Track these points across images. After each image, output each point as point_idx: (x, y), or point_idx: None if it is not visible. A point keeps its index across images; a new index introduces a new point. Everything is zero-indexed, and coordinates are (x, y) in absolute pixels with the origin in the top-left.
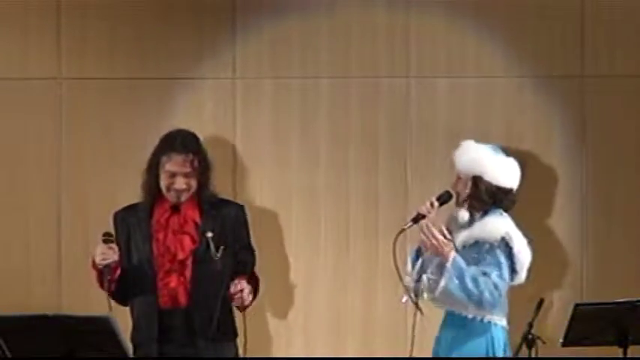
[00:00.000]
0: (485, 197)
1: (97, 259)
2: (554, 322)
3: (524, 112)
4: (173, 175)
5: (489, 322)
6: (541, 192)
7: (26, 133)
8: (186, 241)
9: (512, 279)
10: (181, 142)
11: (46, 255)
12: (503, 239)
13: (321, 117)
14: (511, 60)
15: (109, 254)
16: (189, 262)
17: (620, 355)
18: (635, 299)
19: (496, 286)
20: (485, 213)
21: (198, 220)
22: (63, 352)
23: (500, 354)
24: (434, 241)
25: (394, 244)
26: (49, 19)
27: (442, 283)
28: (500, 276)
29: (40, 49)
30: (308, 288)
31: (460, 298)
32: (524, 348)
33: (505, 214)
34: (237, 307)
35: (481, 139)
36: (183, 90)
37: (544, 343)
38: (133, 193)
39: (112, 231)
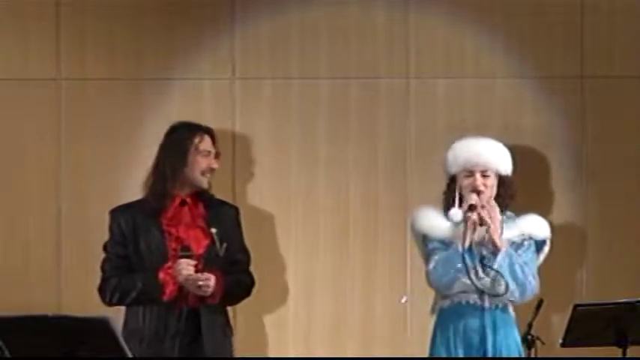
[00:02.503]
0: (509, 196)
1: (184, 274)
2: (554, 323)
3: (524, 113)
4: (208, 154)
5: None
6: (541, 192)
7: (26, 134)
8: (201, 235)
9: None
10: (200, 125)
11: (46, 255)
12: (545, 239)
13: (321, 117)
14: (511, 60)
15: (192, 270)
16: (203, 259)
17: (620, 356)
18: (634, 299)
19: (534, 276)
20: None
21: (204, 215)
22: (62, 352)
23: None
24: (496, 221)
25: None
26: (48, 19)
27: (495, 265)
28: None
29: (39, 50)
30: (307, 288)
31: (507, 281)
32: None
33: None
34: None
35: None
36: (182, 90)
37: (543, 343)
38: (133, 193)
39: (108, 228)
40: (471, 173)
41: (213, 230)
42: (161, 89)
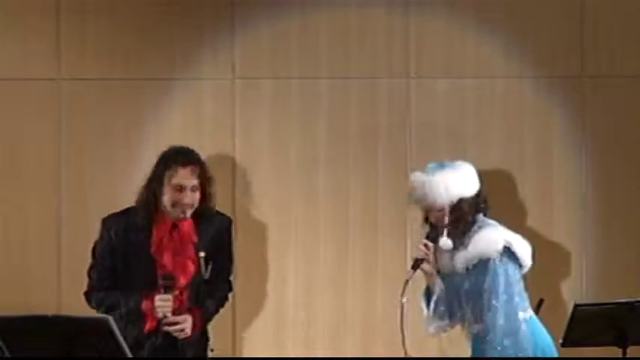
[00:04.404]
0: (468, 214)
1: (159, 312)
2: (554, 322)
3: (524, 112)
4: (181, 189)
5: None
6: (541, 192)
7: (26, 134)
8: (189, 265)
9: (520, 271)
10: (184, 155)
11: (46, 255)
12: (505, 249)
13: (321, 117)
14: (511, 60)
15: (169, 306)
16: (188, 286)
17: (620, 355)
18: (634, 299)
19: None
20: (468, 230)
21: (195, 238)
22: (62, 352)
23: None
24: None
25: (402, 298)
26: (48, 19)
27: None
28: (497, 297)
29: (39, 50)
30: (307, 288)
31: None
32: None
33: (489, 220)
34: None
35: (481, 139)
36: (182, 90)
37: None
38: (132, 194)
39: (99, 235)
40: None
41: (202, 254)
42: (161, 89)
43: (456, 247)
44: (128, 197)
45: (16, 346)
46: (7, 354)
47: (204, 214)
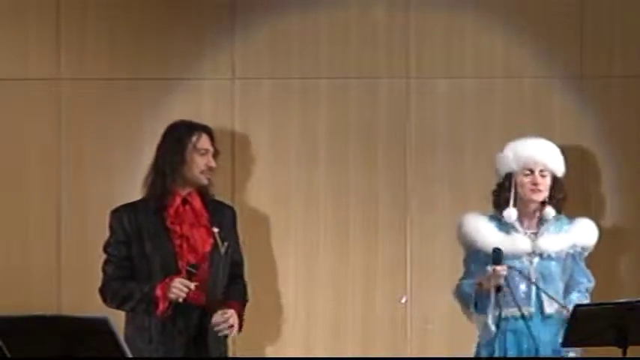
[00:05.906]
0: (562, 194)
1: (174, 293)
2: None
3: (524, 113)
4: (206, 152)
5: None
6: None
7: (26, 134)
8: (205, 234)
9: None
10: (198, 123)
11: (45, 255)
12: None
13: (321, 118)
14: (511, 60)
15: (185, 292)
16: (209, 257)
17: (620, 355)
18: (634, 299)
19: (586, 288)
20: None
21: (206, 214)
22: (62, 352)
23: None
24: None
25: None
26: (48, 19)
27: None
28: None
29: (39, 50)
30: (307, 288)
31: None
32: None
33: None
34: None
35: (481, 139)
36: (182, 90)
37: None
38: (133, 193)
39: (109, 227)
40: (530, 172)
41: (215, 230)
42: (161, 89)
43: (535, 228)
44: (128, 197)
45: (16, 346)
46: (7, 354)
47: (209, 197)
